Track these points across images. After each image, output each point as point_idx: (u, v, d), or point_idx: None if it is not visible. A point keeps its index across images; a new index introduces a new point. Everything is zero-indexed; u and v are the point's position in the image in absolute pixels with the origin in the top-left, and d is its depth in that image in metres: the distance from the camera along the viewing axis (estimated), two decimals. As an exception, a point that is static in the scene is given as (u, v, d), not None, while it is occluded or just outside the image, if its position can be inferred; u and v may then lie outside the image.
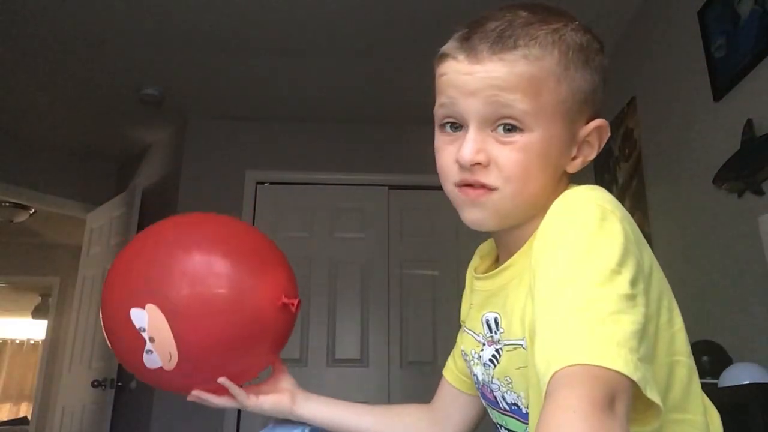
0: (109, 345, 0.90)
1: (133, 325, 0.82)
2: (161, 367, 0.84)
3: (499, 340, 0.72)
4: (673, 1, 2.34)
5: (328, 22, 2.80)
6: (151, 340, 0.82)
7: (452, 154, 0.69)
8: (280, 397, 0.96)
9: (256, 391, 0.95)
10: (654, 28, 2.51)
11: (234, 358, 0.87)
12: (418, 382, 3.16)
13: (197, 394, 0.91)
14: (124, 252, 0.92)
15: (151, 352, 0.83)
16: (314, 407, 0.96)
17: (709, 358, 1.66)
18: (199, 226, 0.93)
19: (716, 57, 2.01)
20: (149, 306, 0.81)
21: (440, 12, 2.60)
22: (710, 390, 0.70)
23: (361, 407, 0.98)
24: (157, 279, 0.83)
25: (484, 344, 0.75)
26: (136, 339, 0.83)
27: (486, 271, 0.79)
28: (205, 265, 0.86)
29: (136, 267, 0.87)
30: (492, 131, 0.67)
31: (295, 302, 0.88)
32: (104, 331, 0.90)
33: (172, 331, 0.81)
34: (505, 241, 0.75)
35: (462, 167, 0.67)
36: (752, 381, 1.45)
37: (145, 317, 0.82)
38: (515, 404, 0.70)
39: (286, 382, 0.98)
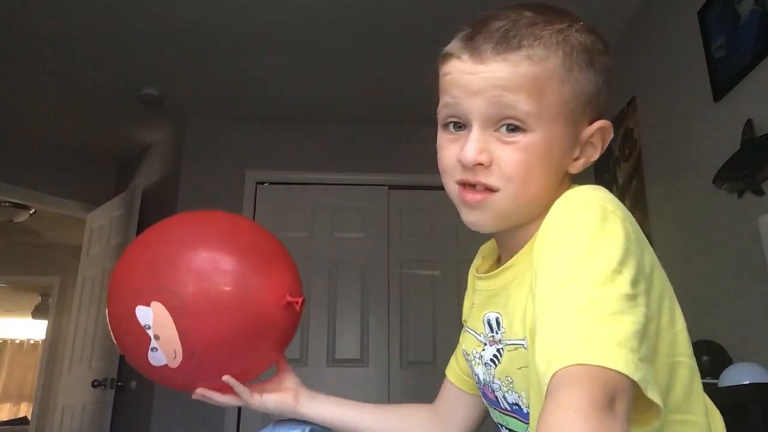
0: (115, 342, 0.90)
1: (139, 323, 0.82)
2: (166, 365, 0.84)
3: (500, 340, 0.72)
4: (673, 1, 2.35)
5: (328, 22, 2.80)
6: (156, 337, 0.82)
7: (455, 152, 0.69)
8: (284, 395, 0.96)
9: (260, 390, 0.95)
10: (654, 28, 2.51)
11: (238, 356, 0.87)
12: (418, 382, 3.16)
13: (202, 392, 0.91)
14: (130, 249, 0.92)
15: (156, 349, 0.83)
16: (318, 406, 0.96)
17: (709, 358, 1.66)
18: (204, 223, 0.93)
19: (716, 57, 2.01)
20: (154, 304, 0.82)
21: (440, 12, 2.60)
22: (710, 390, 0.70)
23: (364, 406, 0.98)
24: (163, 275, 0.84)
25: (485, 344, 0.75)
26: (141, 336, 0.83)
27: (488, 271, 0.79)
28: (211, 262, 0.86)
29: (141, 264, 0.87)
30: (495, 131, 0.67)
31: (300, 301, 0.88)
32: (110, 328, 0.90)
33: (177, 329, 0.81)
34: (507, 242, 0.75)
35: (464, 167, 0.67)
36: (752, 381, 1.46)
37: (150, 315, 0.82)
38: (516, 404, 0.70)
39: (290, 381, 0.98)
